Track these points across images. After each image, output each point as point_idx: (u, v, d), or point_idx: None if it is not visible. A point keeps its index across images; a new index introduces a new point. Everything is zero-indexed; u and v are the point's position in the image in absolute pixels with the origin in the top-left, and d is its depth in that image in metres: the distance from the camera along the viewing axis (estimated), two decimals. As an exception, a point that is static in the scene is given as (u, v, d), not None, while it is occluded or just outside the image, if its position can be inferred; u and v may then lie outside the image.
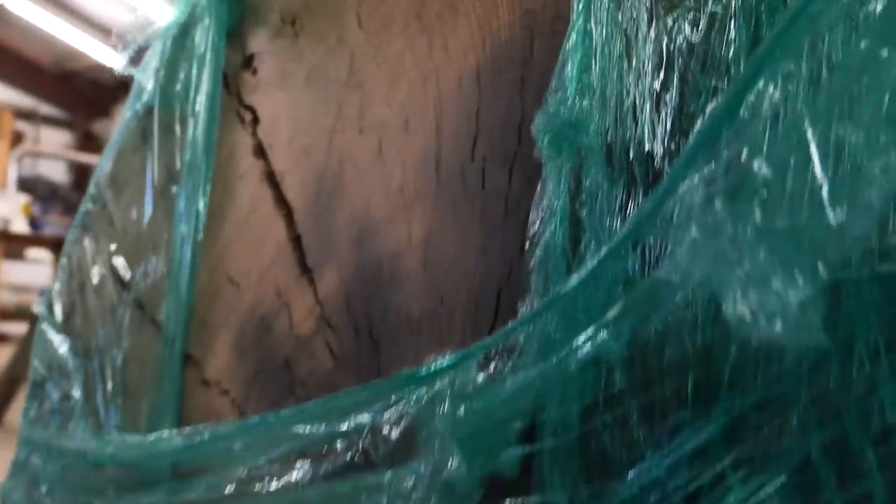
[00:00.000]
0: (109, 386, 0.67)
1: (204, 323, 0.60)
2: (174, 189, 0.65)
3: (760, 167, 0.27)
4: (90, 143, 11.80)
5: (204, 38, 0.65)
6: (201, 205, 0.61)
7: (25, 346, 3.85)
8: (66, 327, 0.74)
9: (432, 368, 0.38)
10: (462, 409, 0.37)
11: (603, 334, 0.35)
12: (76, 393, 0.67)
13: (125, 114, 0.73)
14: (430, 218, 0.47)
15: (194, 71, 0.65)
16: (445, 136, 0.48)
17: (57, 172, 11.33)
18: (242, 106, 0.63)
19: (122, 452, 0.57)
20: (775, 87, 0.30)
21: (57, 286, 0.78)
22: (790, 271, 0.25)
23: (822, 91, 0.30)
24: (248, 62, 0.64)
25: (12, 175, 9.25)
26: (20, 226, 7.76)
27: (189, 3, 0.68)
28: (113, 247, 0.70)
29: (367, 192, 0.51)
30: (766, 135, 0.29)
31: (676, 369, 0.34)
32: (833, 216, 0.26)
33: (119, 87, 11.15)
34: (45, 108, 11.37)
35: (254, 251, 0.58)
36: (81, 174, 11.44)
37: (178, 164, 0.65)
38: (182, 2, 0.69)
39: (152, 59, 0.69)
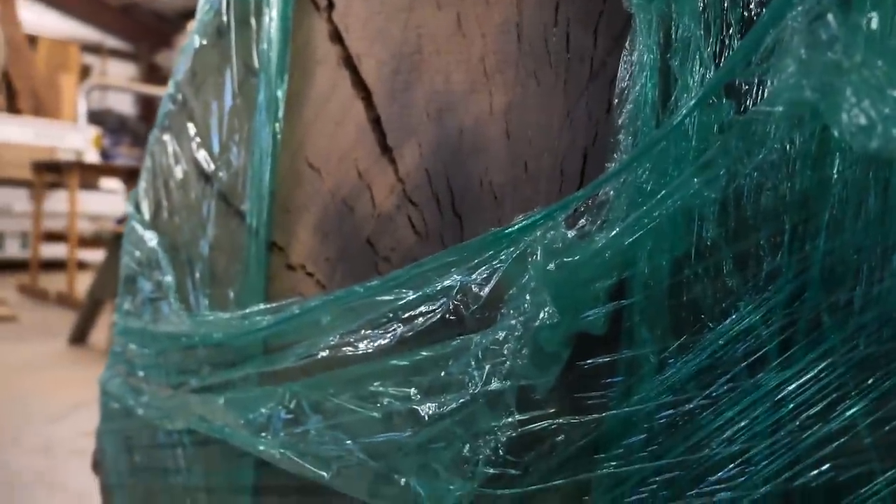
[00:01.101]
0: (198, 276, 0.69)
1: (286, 209, 0.62)
2: (253, 81, 0.66)
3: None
4: (154, 74, 11.98)
5: (275, -75, 0.64)
6: (279, 93, 0.62)
7: (104, 271, 4.03)
8: (153, 224, 0.77)
9: (521, 224, 0.38)
10: (552, 264, 0.37)
11: (694, 182, 0.34)
12: (167, 283, 0.69)
13: (200, 11, 0.73)
14: (512, 87, 0.47)
15: (267, -40, 0.65)
16: (526, 3, 0.47)
17: (124, 105, 11.58)
18: (316, -8, 0.63)
19: (214, 332, 0.60)
20: None
21: (142, 185, 0.80)
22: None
23: None
24: (321, -53, 0.63)
25: (82, 108, 9.50)
26: (92, 157, 8.00)
27: None
28: (195, 143, 0.72)
29: (447, 66, 0.51)
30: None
31: (773, 214, 0.33)
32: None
33: (180, 17, 11.22)
34: (111, 41, 11.57)
35: (333, 135, 0.59)
36: (147, 106, 11.67)
37: (256, 56, 0.65)
38: None
39: (225, -49, 0.69)
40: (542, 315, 0.36)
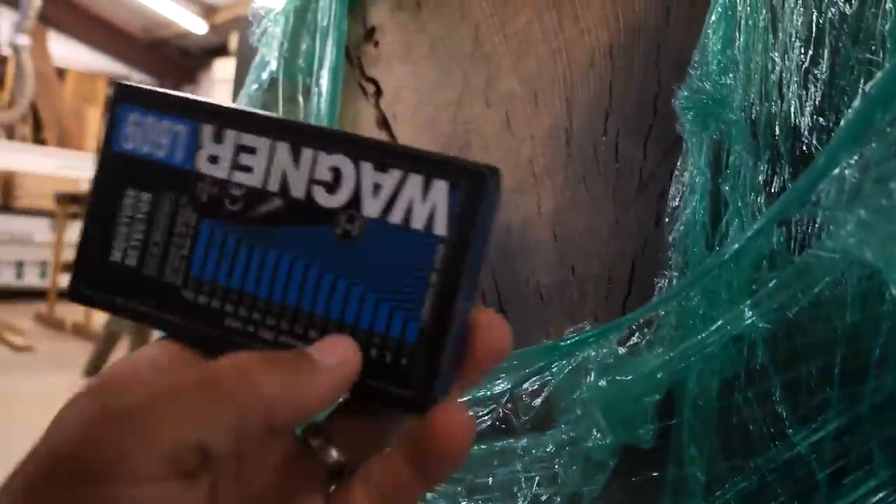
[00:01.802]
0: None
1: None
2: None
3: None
4: (179, 108, 12.14)
5: (326, 13, 0.67)
6: (325, 175, 0.64)
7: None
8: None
9: (575, 340, 0.39)
10: (604, 380, 0.38)
11: (748, 313, 0.35)
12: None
13: (248, 86, 0.76)
14: (560, 190, 0.48)
15: (317, 44, 0.67)
16: (576, 111, 0.48)
17: (148, 137, 11.73)
18: (365, 78, 0.65)
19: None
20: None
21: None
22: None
23: None
24: (370, 35, 0.66)
25: (107, 140, 9.64)
26: (115, 188, 8.10)
27: (310, -23, 0.70)
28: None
29: (495, 163, 0.52)
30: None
31: (823, 347, 0.34)
32: None
33: (205, 53, 11.47)
34: (136, 75, 11.81)
35: (378, 220, 0.60)
36: (171, 139, 11.81)
37: (302, 135, 0.67)
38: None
39: (275, 33, 0.71)
40: (594, 433, 0.37)
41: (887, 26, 0.36)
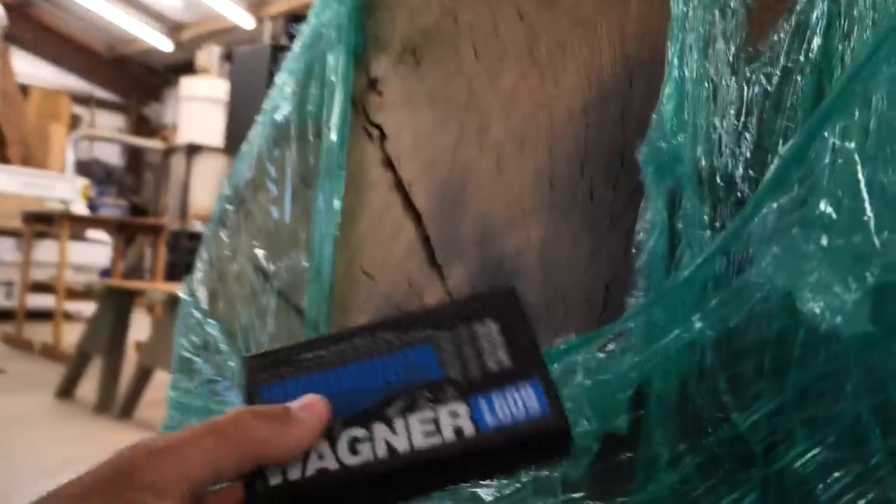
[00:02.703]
0: (255, 360, 0.79)
1: (343, 308, 0.72)
2: (308, 192, 0.77)
3: (825, 204, 0.37)
4: (142, 126, 12.16)
5: (334, 64, 0.76)
6: (337, 206, 0.73)
7: (94, 324, 4.05)
8: (210, 311, 0.87)
9: (563, 348, 0.49)
10: (587, 380, 0.48)
11: (699, 324, 0.45)
12: (230, 367, 0.79)
13: (259, 125, 0.85)
14: (545, 226, 0.58)
15: (326, 92, 0.77)
16: (557, 157, 0.58)
17: (111, 155, 11.71)
18: (370, 123, 0.74)
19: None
20: (835, 137, 0.41)
21: (198, 275, 0.90)
22: (846, 279, 0.35)
23: (870, 140, 0.40)
24: (374, 85, 0.75)
25: (70, 158, 9.58)
26: (80, 207, 8.05)
27: (315, 32, 0.79)
28: (254, 242, 0.82)
29: (489, 201, 0.62)
30: (826, 175, 0.39)
31: (756, 349, 0.45)
32: (878, 239, 0.36)
33: (169, 71, 11.45)
34: (101, 93, 11.74)
35: (386, 248, 0.70)
36: (134, 156, 11.83)
37: (313, 170, 0.77)
38: (308, 31, 0.80)
39: (287, 81, 0.80)
40: (582, 422, 0.47)
41: (798, 100, 0.46)
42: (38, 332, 5.92)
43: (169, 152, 9.43)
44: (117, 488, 0.30)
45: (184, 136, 8.72)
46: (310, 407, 0.35)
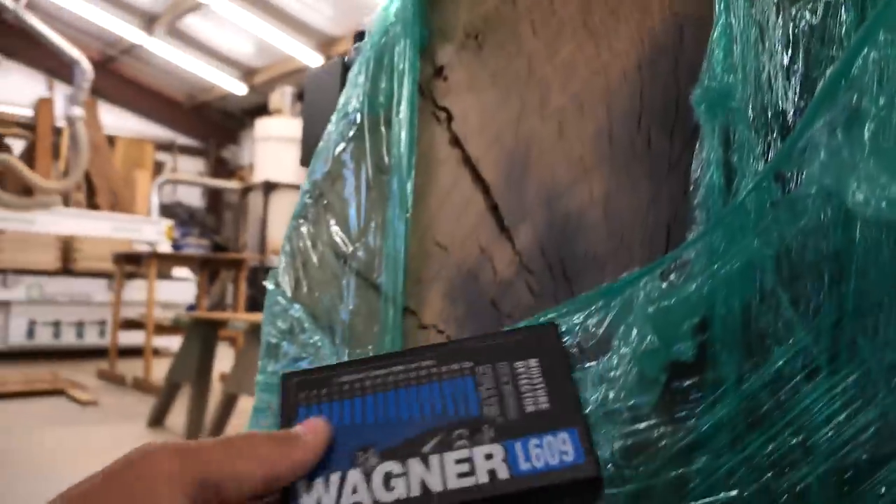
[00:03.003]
0: (338, 339, 0.84)
1: (418, 280, 0.76)
2: (383, 178, 0.82)
3: (868, 106, 0.39)
4: (221, 168, 12.66)
5: (401, 57, 0.81)
6: (409, 187, 0.78)
7: (182, 355, 4.21)
8: (294, 297, 0.92)
9: (626, 279, 0.52)
10: (651, 308, 0.50)
11: (757, 244, 0.47)
12: (315, 342, 0.84)
13: (333, 122, 0.91)
14: (607, 180, 0.61)
15: (395, 83, 0.82)
16: (615, 115, 0.61)
17: (193, 197, 12.24)
18: (437, 108, 0.79)
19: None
20: (878, 51, 0.43)
21: (282, 266, 0.96)
22: (892, 172, 0.37)
23: (915, 52, 0.42)
24: (439, 72, 0.80)
25: (155, 202, 10.04)
26: (165, 247, 8.41)
27: (383, 30, 0.85)
28: (333, 229, 0.88)
29: (552, 165, 0.66)
30: (872, 84, 0.41)
31: (815, 266, 0.46)
32: (923, 137, 0.38)
33: (245, 114, 11.93)
34: (181, 139, 12.32)
35: (457, 220, 0.74)
36: (214, 198, 12.32)
37: (386, 158, 0.82)
38: (376, 29, 0.86)
39: (358, 76, 0.86)
40: (646, 342, 0.49)
41: (843, 31, 0.48)
42: (130, 367, 6.19)
43: (246, 191, 9.78)
44: (128, 477, 0.33)
45: (260, 175, 9.05)
46: (312, 429, 0.39)
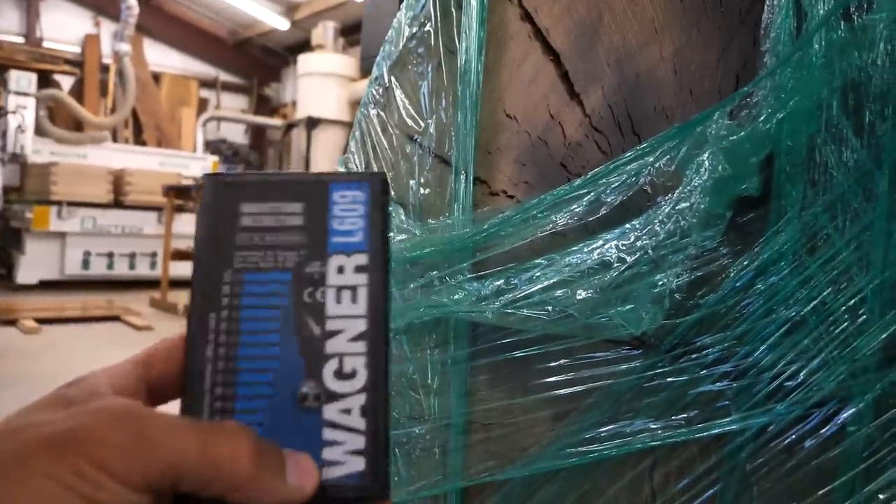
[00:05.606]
0: (411, 212, 0.89)
1: (487, 151, 0.81)
2: (453, 59, 0.85)
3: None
4: (264, 105, 12.74)
5: (472, -62, 0.84)
6: (478, 65, 0.81)
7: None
8: (365, 179, 0.98)
9: (697, 118, 0.55)
10: (722, 143, 0.54)
11: (822, 79, 0.51)
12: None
13: (406, 8, 0.94)
14: (677, 37, 0.64)
15: (465, -35, 0.85)
16: (686, -24, 0.64)
17: (236, 134, 12.37)
18: (507, -14, 0.82)
19: (434, 246, 0.79)
20: None
21: (351, 150, 1.01)
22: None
23: None
24: (510, -48, 0.83)
25: (199, 138, 10.17)
26: (211, 184, 8.54)
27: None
28: (403, 112, 0.92)
29: (623, 28, 0.69)
30: None
31: (879, 96, 0.50)
32: None
33: (287, 51, 11.93)
34: (224, 76, 12.39)
35: (527, 91, 0.77)
36: (257, 134, 12.44)
37: (456, 40, 0.85)
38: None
39: (429, -39, 0.89)
40: (719, 169, 0.53)
41: None
42: (181, 296, 6.38)
43: (289, 128, 9.85)
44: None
45: (302, 111, 9.09)
46: (300, 466, 0.36)
